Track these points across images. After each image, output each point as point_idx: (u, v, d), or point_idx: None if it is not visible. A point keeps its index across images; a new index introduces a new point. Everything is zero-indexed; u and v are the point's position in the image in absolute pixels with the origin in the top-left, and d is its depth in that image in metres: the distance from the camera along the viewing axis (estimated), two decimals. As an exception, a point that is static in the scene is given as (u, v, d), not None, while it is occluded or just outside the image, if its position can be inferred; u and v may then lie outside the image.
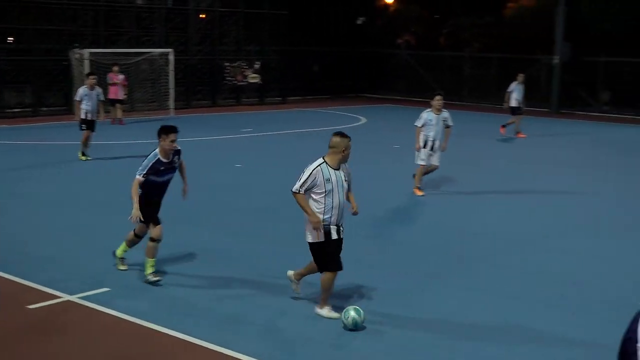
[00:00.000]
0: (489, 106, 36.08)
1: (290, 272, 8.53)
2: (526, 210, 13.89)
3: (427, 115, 14.57)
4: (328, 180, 7.74)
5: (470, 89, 39.33)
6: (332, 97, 38.10)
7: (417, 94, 39.45)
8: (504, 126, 24.49)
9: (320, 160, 7.87)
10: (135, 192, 8.72)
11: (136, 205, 8.68)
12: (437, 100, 14.56)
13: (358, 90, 40.43)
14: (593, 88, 35.11)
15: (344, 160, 7.93)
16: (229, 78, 33.15)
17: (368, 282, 9.18)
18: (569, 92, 34.86)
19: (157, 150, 8.90)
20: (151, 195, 8.99)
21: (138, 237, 9.35)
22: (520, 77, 25.11)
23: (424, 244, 11.36)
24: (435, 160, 14.73)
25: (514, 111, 24.64)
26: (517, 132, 24.63)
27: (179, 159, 9.11)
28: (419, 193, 14.70)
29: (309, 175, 7.71)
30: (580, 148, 22.96)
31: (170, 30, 31.78)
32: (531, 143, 23.48)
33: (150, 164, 8.78)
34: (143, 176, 8.76)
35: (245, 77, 33.49)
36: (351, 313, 7.57)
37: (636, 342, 3.30)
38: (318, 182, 7.72)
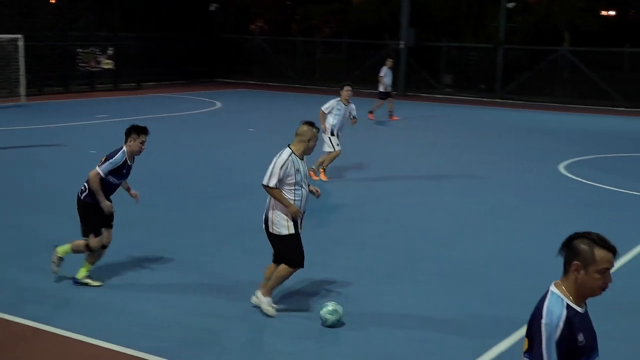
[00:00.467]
0: (339, 89, 37.35)
1: (258, 294, 7.82)
2: (433, 197, 13.98)
3: (337, 104, 14.87)
4: (298, 170, 7.48)
5: (322, 73, 40.56)
6: (188, 82, 38.37)
7: (271, 78, 40.43)
8: (371, 112, 25.50)
9: (289, 150, 7.55)
10: (99, 187, 8.14)
11: (102, 198, 8.15)
12: (347, 91, 14.86)
13: (213, 75, 40.85)
14: (436, 71, 37.00)
15: (308, 151, 7.65)
16: (82, 64, 32.81)
17: (321, 281, 8.85)
18: (414, 75, 36.67)
19: (124, 150, 8.30)
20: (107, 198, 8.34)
21: (104, 247, 8.50)
22: (389, 62, 26.16)
23: (351, 238, 11.06)
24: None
25: (383, 95, 25.71)
26: (391, 115, 25.67)
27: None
28: (325, 178, 14.84)
29: (282, 167, 7.38)
30: (437, 129, 24.36)
31: (19, 16, 31.12)
32: (388, 125, 24.74)
33: (119, 164, 8.22)
34: (105, 174, 8.18)
35: (99, 63, 33.24)
36: (325, 313, 7.41)
37: (541, 318, 3.76)
38: (289, 173, 7.41)
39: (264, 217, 7.63)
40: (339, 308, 7.44)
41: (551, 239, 10.91)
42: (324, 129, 14.73)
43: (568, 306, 3.78)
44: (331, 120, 14.86)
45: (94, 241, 8.28)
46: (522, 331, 7.35)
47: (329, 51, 41.14)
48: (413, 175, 15.93)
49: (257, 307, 7.79)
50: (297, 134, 7.64)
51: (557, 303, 3.78)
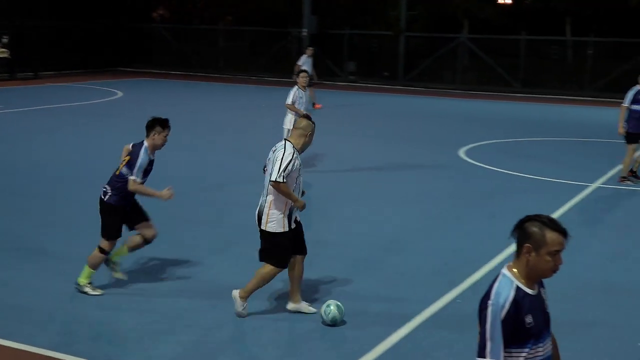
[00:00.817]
0: (244, 77, 37.37)
1: (235, 292, 7.53)
2: (337, 188, 13.77)
3: (298, 92, 14.43)
4: (300, 165, 7.35)
5: (226, 61, 40.36)
6: (88, 71, 37.53)
7: (173, 67, 39.93)
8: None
9: (290, 144, 7.32)
10: (145, 191, 7.84)
11: (154, 192, 7.85)
12: (303, 77, 14.57)
13: (114, 64, 40.07)
14: (339, 59, 37.26)
15: (306, 146, 7.47)
16: (-25, 53, 31.67)
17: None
18: (317, 64, 36.81)
19: (146, 145, 7.90)
20: (128, 199, 8.01)
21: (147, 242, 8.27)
22: (309, 50, 26.09)
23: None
24: None
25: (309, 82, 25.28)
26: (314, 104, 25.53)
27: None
28: None
29: (290, 160, 7.16)
30: (340, 117, 24.53)
31: None
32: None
33: (145, 163, 7.84)
34: (142, 178, 7.84)
35: (-7, 51, 32.16)
36: (332, 309, 7.27)
37: (488, 299, 3.78)
38: (296, 168, 7.23)
39: (257, 213, 7.38)
40: (337, 313, 7.31)
41: (454, 225, 11.34)
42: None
43: (517, 288, 3.83)
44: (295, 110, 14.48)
45: (105, 244, 7.94)
46: (415, 321, 7.62)
47: (232, 39, 40.90)
48: (322, 169, 16.04)
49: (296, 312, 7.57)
50: (296, 128, 7.45)
51: (506, 285, 3.84)
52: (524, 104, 29.59)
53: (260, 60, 38.50)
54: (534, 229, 3.83)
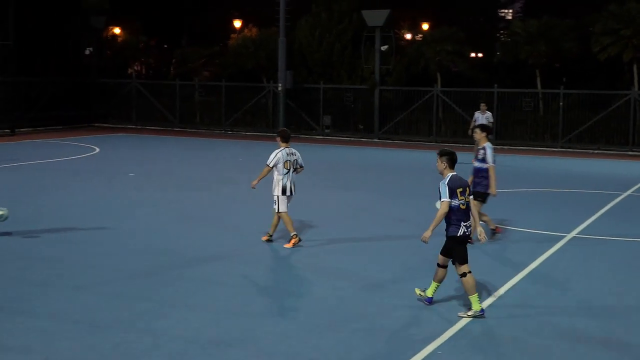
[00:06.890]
0: (220, 132, 37.63)
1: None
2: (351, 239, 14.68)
3: (281, 154, 12.60)
4: None
5: (202, 116, 40.70)
6: (65, 127, 37.63)
7: (150, 122, 40.16)
8: None
9: None
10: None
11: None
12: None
13: (91, 120, 40.26)
14: (315, 113, 37.66)
15: None
16: (-49, 111, 31.64)
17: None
18: (293, 117, 37.21)
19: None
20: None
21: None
22: (483, 106, 25.88)
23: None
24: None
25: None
26: None
27: None
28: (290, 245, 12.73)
29: None
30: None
31: None
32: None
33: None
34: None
35: (-32, 109, 32.15)
36: None
37: None
38: None
39: None
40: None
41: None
42: (254, 182, 12.94)
43: None
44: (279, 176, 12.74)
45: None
46: None
47: (208, 94, 41.21)
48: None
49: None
50: None
51: None
52: (502, 156, 29.87)
53: (236, 114, 38.82)
54: None
